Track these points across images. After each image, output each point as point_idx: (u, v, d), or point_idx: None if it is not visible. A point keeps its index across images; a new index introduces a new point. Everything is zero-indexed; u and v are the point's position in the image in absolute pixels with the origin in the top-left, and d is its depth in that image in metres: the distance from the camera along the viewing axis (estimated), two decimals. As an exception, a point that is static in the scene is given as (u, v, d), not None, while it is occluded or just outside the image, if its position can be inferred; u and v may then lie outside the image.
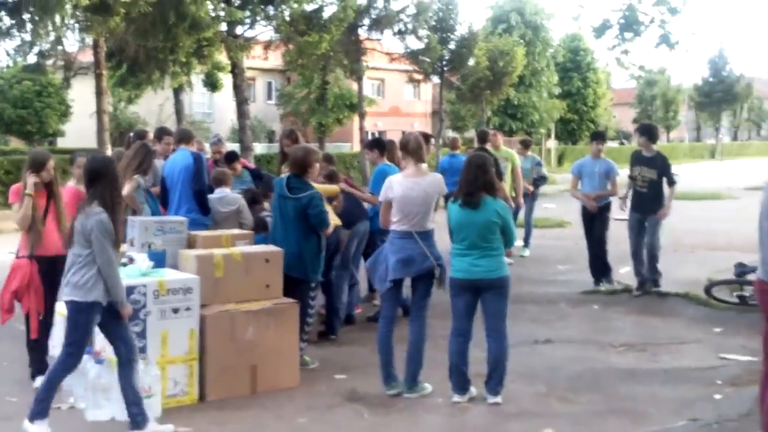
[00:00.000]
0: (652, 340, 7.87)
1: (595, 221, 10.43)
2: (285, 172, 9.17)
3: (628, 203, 9.97)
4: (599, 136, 10.95)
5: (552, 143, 49.56)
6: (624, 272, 11.21)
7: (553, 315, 9.05)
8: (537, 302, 9.63)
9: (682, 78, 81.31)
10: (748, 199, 19.87)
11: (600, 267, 10.43)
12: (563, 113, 51.74)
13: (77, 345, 5.28)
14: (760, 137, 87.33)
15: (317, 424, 5.68)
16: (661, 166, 9.58)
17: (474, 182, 5.95)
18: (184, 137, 8.50)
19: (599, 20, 12.71)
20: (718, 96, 64.79)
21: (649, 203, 9.65)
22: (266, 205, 8.37)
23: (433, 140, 12.10)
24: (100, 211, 5.17)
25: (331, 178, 8.30)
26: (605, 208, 10.40)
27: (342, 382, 6.61)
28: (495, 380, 6.05)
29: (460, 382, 6.10)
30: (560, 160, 49.10)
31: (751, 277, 8.31)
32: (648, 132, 9.89)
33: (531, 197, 13.20)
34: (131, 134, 10.18)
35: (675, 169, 10.16)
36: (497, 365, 6.05)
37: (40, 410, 5.21)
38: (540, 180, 13.56)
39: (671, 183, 9.68)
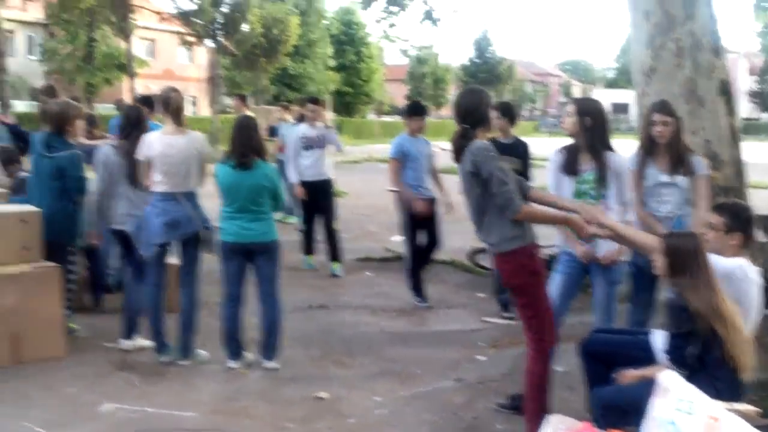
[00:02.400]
0: (420, 305, 8.16)
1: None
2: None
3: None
4: (420, 110, 8.30)
5: (329, 115, 50.08)
6: (396, 240, 11.57)
7: (327, 281, 9.17)
8: (314, 270, 9.72)
9: (451, 57, 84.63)
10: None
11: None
12: (338, 86, 52.50)
13: None
14: (523, 117, 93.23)
15: (87, 393, 5.42)
16: (524, 154, 7.59)
17: (247, 144, 5.87)
18: None
19: (367, -8, 12.89)
20: (483, 76, 68.17)
21: None
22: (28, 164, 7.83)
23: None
24: None
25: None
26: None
27: (113, 350, 6.34)
28: (270, 345, 6.04)
29: (235, 348, 6.04)
30: (338, 132, 49.83)
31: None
32: (509, 112, 7.56)
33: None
34: None
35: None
36: (271, 330, 6.04)
37: None
38: None
39: (527, 178, 7.24)
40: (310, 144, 9.50)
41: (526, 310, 4.60)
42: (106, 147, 6.56)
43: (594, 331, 5.05)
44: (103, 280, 7.72)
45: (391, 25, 12.85)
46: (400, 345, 6.78)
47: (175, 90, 6.18)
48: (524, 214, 4.40)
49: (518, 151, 7.48)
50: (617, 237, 4.67)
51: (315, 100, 9.91)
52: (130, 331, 6.41)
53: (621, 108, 70.39)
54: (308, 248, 9.85)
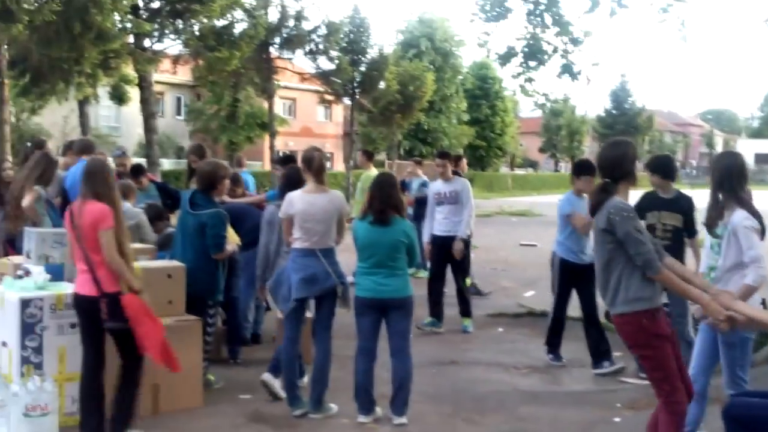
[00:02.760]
0: (554, 363, 7.98)
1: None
2: (191, 185, 9.08)
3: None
4: (589, 169, 7.68)
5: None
6: (528, 296, 11.43)
7: (458, 336, 9.11)
8: (430, 327, 9.64)
9: (586, 108, 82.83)
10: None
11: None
12: (472, 139, 52.72)
13: None
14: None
15: (221, 444, 5.56)
16: (687, 209, 7.03)
17: (386, 200, 5.94)
18: (86, 148, 8.26)
19: (505, 48, 12.93)
20: (620, 128, 66.71)
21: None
22: (174, 220, 8.19)
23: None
24: None
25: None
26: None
27: (247, 402, 6.48)
28: (400, 400, 6.02)
29: (366, 402, 6.05)
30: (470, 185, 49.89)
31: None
32: (662, 169, 7.03)
33: (414, 218, 12.29)
34: (28, 144, 9.84)
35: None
36: (402, 385, 6.02)
37: None
38: (423, 200, 13.27)
39: (694, 233, 7.06)
40: (442, 200, 9.45)
41: (653, 373, 4.55)
42: (271, 206, 6.91)
43: (736, 395, 4.81)
44: (239, 333, 7.93)
45: (528, 80, 12.79)
46: (533, 403, 6.64)
47: (318, 150, 6.38)
48: (663, 277, 4.36)
49: (680, 206, 7.00)
50: (751, 322, 4.49)
51: (444, 155, 9.85)
52: (275, 371, 6.52)
53: (766, 158, 67.39)
54: (434, 311, 9.45)
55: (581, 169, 7.85)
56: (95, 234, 5.19)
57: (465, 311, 9.45)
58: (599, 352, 7.78)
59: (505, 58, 12.33)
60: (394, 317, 6.00)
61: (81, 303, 5.35)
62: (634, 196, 5.25)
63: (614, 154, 4.59)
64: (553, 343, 8.07)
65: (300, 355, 6.41)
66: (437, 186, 9.60)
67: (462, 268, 9.48)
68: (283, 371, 6.25)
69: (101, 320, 5.24)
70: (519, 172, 66.31)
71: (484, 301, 10.96)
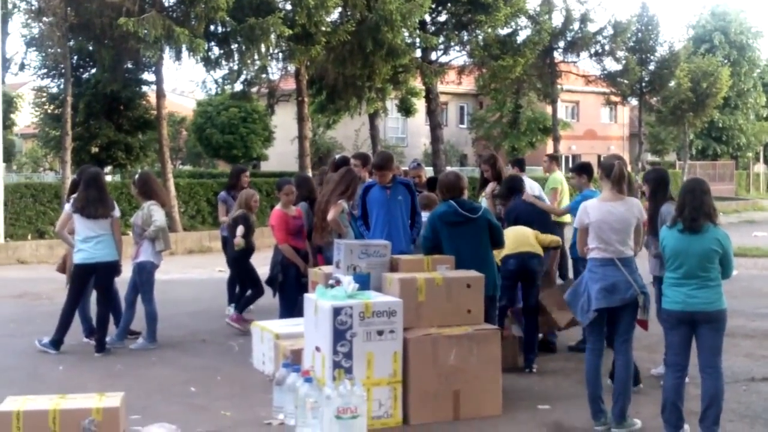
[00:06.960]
0: None
1: None
2: (482, 196, 9.19)
3: None
4: None
5: (761, 167, 46.86)
6: None
7: (771, 351, 8.44)
8: (751, 336, 9.05)
9: None
10: None
11: None
12: (773, 136, 48.92)
13: None
14: None
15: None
16: None
17: (699, 208, 5.60)
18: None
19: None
20: None
21: None
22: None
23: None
24: None
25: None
26: None
27: (545, 412, 6.40)
28: (710, 419, 5.64)
29: (674, 419, 5.73)
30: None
31: None
32: None
33: None
34: (336, 156, 10.40)
35: None
36: (713, 403, 5.64)
37: None
38: None
39: None
40: None
41: None
42: None
43: None
44: (536, 342, 7.87)
45: None
46: None
47: (619, 158, 6.29)
48: None
49: None
50: None
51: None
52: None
53: None
54: None
55: None
56: None
57: None
58: None
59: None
60: (705, 332, 5.63)
61: None
62: None
63: None
64: None
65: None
66: None
67: None
68: (587, 384, 6.10)
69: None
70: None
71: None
